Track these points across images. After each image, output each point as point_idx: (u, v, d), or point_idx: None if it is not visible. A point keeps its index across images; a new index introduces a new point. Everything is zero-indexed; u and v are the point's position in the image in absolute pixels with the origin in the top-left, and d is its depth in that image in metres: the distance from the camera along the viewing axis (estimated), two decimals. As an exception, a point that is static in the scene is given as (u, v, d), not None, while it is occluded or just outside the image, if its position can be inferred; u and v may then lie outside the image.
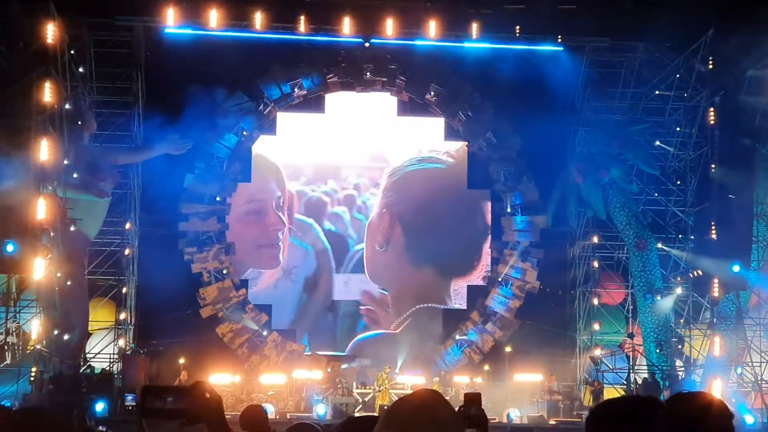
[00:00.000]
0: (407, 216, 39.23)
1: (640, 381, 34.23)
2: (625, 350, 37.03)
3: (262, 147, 39.24)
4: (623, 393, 33.28)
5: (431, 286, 39.01)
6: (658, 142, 36.48)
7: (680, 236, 36.29)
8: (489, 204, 39.95)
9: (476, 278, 39.79)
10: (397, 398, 31.49)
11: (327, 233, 39.36)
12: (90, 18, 33.94)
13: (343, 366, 36.98)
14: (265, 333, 37.98)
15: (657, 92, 36.65)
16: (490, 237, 39.92)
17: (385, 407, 30.71)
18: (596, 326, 36.74)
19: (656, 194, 36.67)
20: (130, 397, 30.26)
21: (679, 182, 36.62)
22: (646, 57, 36.18)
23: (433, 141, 40.05)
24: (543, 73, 34.88)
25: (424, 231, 38.47)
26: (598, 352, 36.21)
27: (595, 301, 36.97)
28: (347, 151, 39.68)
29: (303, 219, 39.27)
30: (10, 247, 27.62)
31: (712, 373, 32.32)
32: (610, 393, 33.41)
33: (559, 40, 35.91)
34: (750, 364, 32.96)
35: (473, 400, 5.91)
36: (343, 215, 39.52)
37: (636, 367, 35.88)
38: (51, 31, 29.59)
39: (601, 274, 37.60)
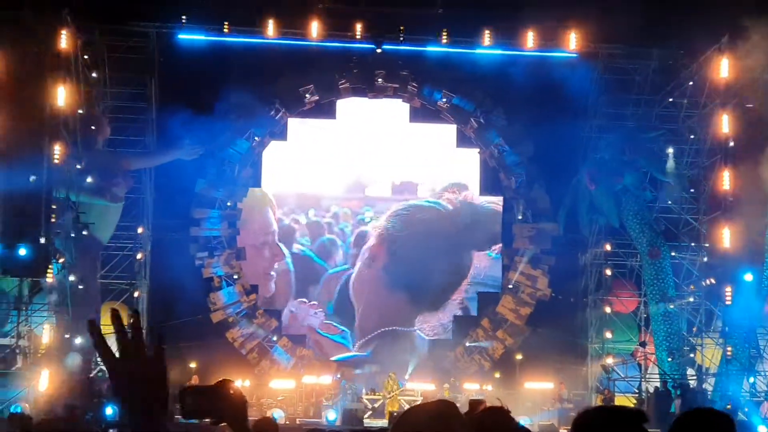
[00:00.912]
0: (398, 243, 39.23)
1: (651, 390, 34.13)
2: (637, 359, 36.91)
3: (269, 184, 39.56)
4: (634, 402, 33.23)
5: (400, 311, 38.84)
6: (671, 149, 36.35)
7: (693, 244, 36.13)
8: (473, 253, 39.93)
9: (446, 316, 39.64)
10: (406, 405, 31.53)
11: (295, 257, 39.60)
12: (104, 24, 34.02)
13: (356, 371, 37.00)
14: (275, 338, 37.99)
15: (671, 99, 36.55)
16: (467, 280, 39.86)
17: (395, 414, 30.78)
18: (608, 334, 36.63)
19: (669, 202, 36.54)
20: None
21: (692, 190, 36.46)
22: (659, 64, 36.11)
23: (444, 148, 40.03)
24: (556, 79, 34.84)
25: (405, 259, 38.41)
26: (609, 360, 36.10)
27: (607, 309, 36.85)
28: (357, 158, 39.72)
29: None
30: (22, 251, 27.68)
31: (723, 382, 32.22)
32: (622, 402, 33.29)
33: (573, 47, 35.82)
34: (763, 372, 32.78)
35: (478, 406, 5.91)
36: (335, 240, 39.79)
37: (648, 376, 35.75)
38: (64, 37, 29.69)
39: (614, 281, 37.46)
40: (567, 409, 33.86)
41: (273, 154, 39.36)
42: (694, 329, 35.32)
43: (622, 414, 4.25)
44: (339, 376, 35.98)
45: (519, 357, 36.80)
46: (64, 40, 29.70)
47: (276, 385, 35.33)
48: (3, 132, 28.43)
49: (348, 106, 39.61)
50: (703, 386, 33.52)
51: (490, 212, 40.01)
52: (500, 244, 39.79)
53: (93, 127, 32.99)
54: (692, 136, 36.19)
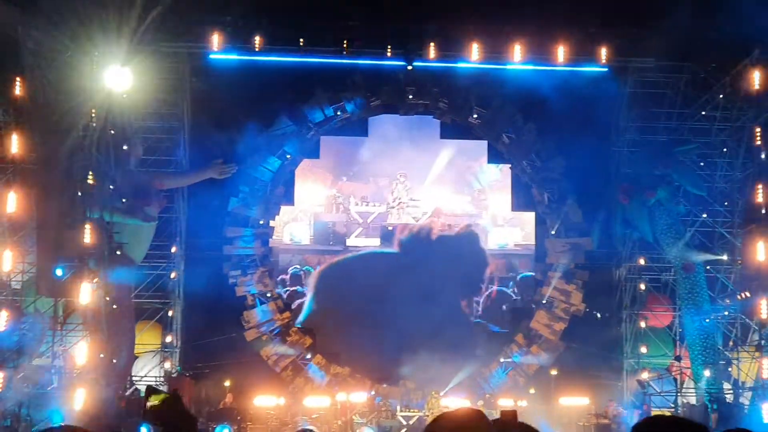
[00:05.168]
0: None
1: (688, 404, 33.94)
2: (673, 373, 36.71)
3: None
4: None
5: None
6: (702, 163, 36.20)
7: (727, 257, 35.92)
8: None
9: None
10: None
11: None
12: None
13: (386, 385, 36.87)
14: (309, 356, 37.98)
15: (703, 113, 36.34)
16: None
17: None
18: (643, 349, 36.46)
19: (704, 215, 36.34)
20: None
21: (726, 203, 36.27)
22: (691, 77, 35.92)
23: (476, 164, 40.15)
24: (587, 93, 34.71)
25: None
26: (645, 375, 35.90)
27: (642, 324, 36.68)
28: (389, 176, 39.91)
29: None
30: (59, 272, 27.81)
31: (760, 396, 31.93)
32: (658, 416, 33.03)
33: (603, 61, 35.73)
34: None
35: (508, 417, 5.92)
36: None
37: (684, 391, 35.54)
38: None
39: (648, 296, 37.29)
40: (603, 424, 33.71)
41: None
42: (730, 343, 35.13)
43: (685, 425, 4.28)
44: (373, 393, 35.93)
45: (554, 372, 36.64)
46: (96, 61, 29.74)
47: (310, 403, 35.31)
48: (35, 154, 28.62)
49: (380, 122, 39.74)
50: (740, 400, 33.28)
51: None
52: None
53: (125, 147, 33.12)
54: (725, 150, 36.02)
